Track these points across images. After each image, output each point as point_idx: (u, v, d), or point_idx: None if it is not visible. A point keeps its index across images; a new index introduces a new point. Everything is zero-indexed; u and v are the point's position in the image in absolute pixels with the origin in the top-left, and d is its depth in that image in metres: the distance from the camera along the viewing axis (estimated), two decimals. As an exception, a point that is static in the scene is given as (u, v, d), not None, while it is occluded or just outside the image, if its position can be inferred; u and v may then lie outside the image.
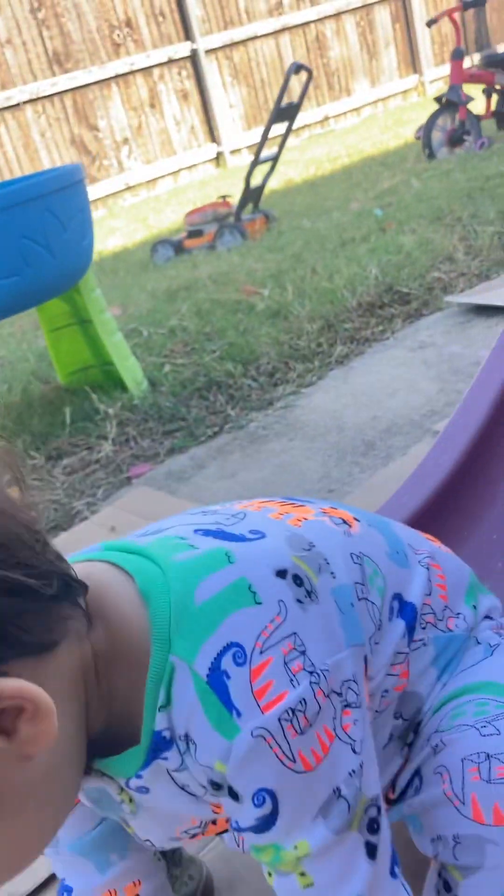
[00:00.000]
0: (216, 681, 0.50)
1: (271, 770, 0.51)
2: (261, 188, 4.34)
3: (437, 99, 4.86)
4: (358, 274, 2.83)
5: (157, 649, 0.52)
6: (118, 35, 7.29)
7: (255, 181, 4.27)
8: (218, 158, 7.96)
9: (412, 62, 8.74)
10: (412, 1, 8.48)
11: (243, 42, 7.91)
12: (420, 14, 8.52)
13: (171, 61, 7.56)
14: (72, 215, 2.04)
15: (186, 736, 0.52)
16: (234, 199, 4.36)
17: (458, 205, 3.40)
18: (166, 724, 0.53)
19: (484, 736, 0.60)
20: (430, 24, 5.19)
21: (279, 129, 4.38)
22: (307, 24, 8.09)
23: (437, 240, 3.00)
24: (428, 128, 4.86)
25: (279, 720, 0.50)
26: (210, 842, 0.92)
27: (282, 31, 7.97)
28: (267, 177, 4.33)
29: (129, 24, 7.32)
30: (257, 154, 4.18)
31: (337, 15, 8.17)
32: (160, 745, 0.53)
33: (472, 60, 8.58)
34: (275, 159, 4.36)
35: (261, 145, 4.11)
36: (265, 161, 4.27)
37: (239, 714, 0.50)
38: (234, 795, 0.52)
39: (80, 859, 0.67)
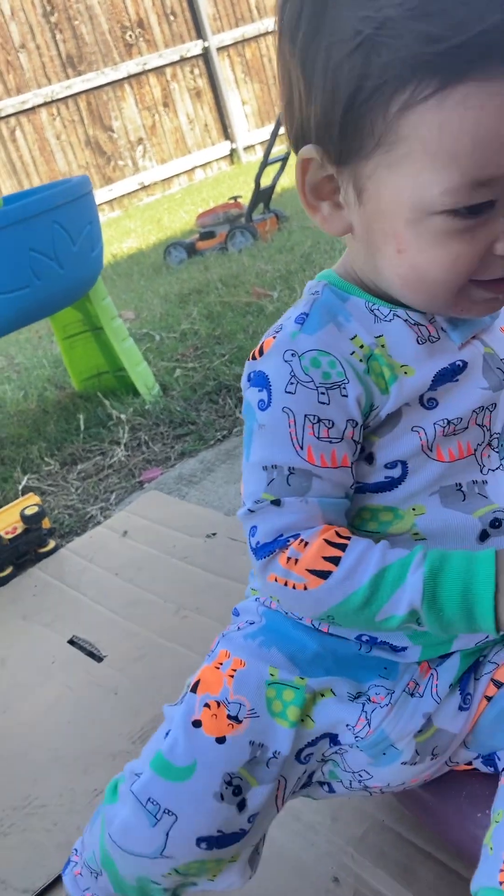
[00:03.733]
0: None
1: None
2: (271, 188, 4.38)
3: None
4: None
5: None
6: (130, 35, 7.34)
7: (266, 181, 4.31)
8: (232, 155, 8.00)
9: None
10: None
11: (255, 38, 7.94)
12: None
13: (183, 60, 7.61)
14: (80, 227, 2.10)
15: None
16: (246, 199, 4.40)
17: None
18: None
19: None
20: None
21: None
22: (318, 18, 8.07)
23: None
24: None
25: None
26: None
27: (293, 27, 7.97)
28: (277, 176, 4.37)
29: (140, 24, 7.37)
30: (266, 153, 4.22)
31: None
32: None
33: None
34: (285, 158, 4.39)
35: (270, 144, 4.14)
36: (275, 161, 4.30)
37: None
38: None
39: (319, 515, 0.69)
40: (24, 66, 6.87)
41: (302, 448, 0.68)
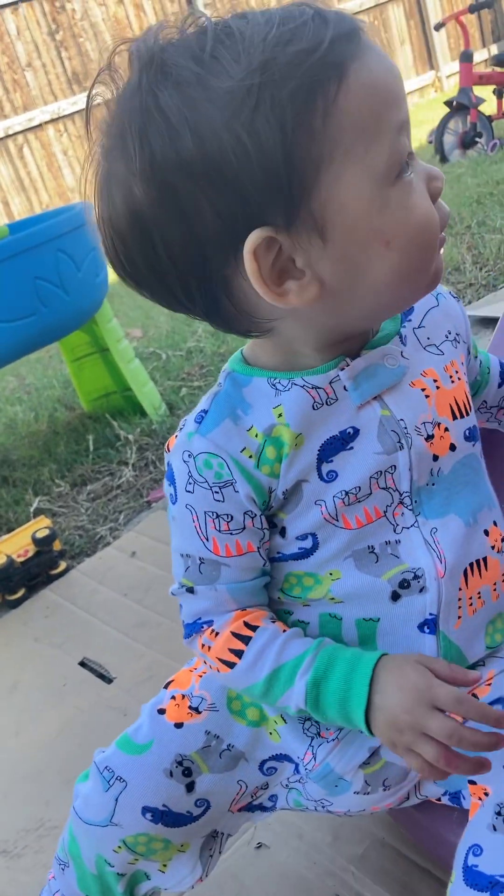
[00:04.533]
0: None
1: None
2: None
3: (448, 102, 4.89)
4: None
5: None
6: (135, 51, 7.42)
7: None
8: (238, 166, 8.05)
9: (428, 59, 8.73)
10: (425, -3, 8.48)
11: (258, 50, 7.98)
12: (434, 9, 8.51)
13: (187, 73, 7.67)
14: (84, 253, 2.15)
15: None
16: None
17: (467, 212, 3.44)
18: None
19: None
20: (437, 27, 5.22)
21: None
22: (321, 27, 8.11)
23: (445, 249, 3.05)
24: (439, 131, 4.90)
25: None
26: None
27: (296, 37, 8.01)
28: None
29: (145, 39, 7.44)
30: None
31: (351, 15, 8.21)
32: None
33: (489, 52, 8.57)
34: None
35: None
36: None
37: None
38: None
39: (229, 599, 0.76)
40: (30, 83, 6.95)
41: (207, 540, 0.73)
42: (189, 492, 0.72)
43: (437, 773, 0.65)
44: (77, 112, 7.14)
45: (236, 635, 0.75)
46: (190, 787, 0.80)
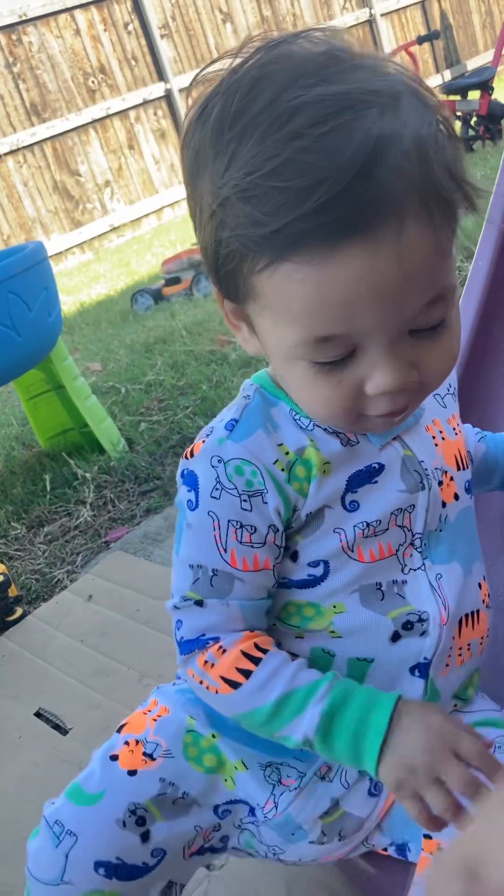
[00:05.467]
0: None
1: None
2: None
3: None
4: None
5: None
6: (93, 81, 7.45)
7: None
8: (199, 194, 8.08)
9: (384, 85, 8.87)
10: (379, 26, 8.63)
11: (216, 79, 8.05)
12: (388, 39, 8.66)
13: (146, 102, 7.72)
14: (36, 294, 2.13)
15: None
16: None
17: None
18: None
19: None
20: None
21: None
22: (277, 56, 8.21)
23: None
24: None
25: None
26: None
27: (253, 66, 8.10)
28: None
29: (102, 70, 7.48)
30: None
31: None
32: None
33: (442, 78, 8.73)
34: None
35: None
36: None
37: None
38: None
39: (238, 617, 0.74)
40: (-12, 116, 6.95)
41: (226, 551, 0.71)
42: (215, 498, 0.70)
43: (436, 824, 0.65)
44: (37, 143, 7.15)
45: (246, 655, 0.72)
46: (145, 837, 0.77)
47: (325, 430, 0.71)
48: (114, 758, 0.80)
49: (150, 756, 0.79)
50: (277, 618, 0.76)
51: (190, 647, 0.75)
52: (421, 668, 0.74)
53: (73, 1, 7.19)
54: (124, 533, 2.08)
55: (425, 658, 0.74)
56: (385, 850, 0.82)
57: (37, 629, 1.78)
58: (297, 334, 0.60)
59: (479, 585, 0.79)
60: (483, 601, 0.79)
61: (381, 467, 0.72)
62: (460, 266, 2.87)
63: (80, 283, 6.02)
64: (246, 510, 0.70)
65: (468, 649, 0.77)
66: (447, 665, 0.76)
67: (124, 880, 0.76)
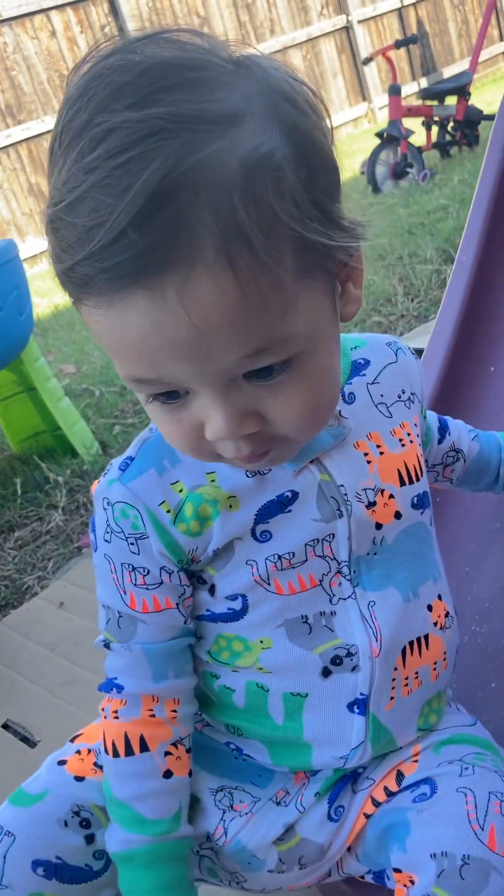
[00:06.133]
0: None
1: None
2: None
3: (379, 134, 4.96)
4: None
5: None
6: (69, 84, 7.40)
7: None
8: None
9: (360, 91, 8.90)
10: (356, 32, 8.65)
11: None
12: (364, 44, 8.68)
13: (122, 105, 7.68)
14: (7, 293, 2.08)
15: None
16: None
17: (399, 242, 3.47)
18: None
19: None
20: (366, 62, 5.32)
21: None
22: (254, 61, 8.21)
23: (378, 281, 3.06)
24: (371, 162, 4.96)
25: None
26: None
27: (230, 70, 8.09)
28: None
29: (78, 72, 7.44)
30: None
31: (283, 50, 8.32)
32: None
33: (419, 84, 8.77)
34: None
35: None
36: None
37: None
38: None
39: (143, 662, 0.72)
40: (-38, 117, 6.88)
41: (125, 593, 0.70)
42: (107, 541, 0.69)
43: None
44: (11, 145, 7.08)
45: (127, 741, 0.71)
46: (90, 840, 0.73)
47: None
48: (62, 763, 0.77)
49: (101, 767, 0.76)
50: (208, 653, 0.73)
51: (104, 686, 0.75)
52: (359, 704, 0.70)
53: (49, 2, 7.14)
54: (97, 538, 2.03)
55: (362, 693, 0.70)
56: (363, 877, 0.78)
57: (6, 637, 1.73)
58: (119, 368, 0.57)
59: (430, 607, 0.73)
60: (436, 623, 0.74)
61: (295, 495, 0.67)
62: (441, 269, 2.85)
63: (54, 286, 5.91)
64: (134, 553, 0.68)
65: (416, 678, 0.72)
66: (391, 698, 0.71)
67: (66, 883, 0.71)
